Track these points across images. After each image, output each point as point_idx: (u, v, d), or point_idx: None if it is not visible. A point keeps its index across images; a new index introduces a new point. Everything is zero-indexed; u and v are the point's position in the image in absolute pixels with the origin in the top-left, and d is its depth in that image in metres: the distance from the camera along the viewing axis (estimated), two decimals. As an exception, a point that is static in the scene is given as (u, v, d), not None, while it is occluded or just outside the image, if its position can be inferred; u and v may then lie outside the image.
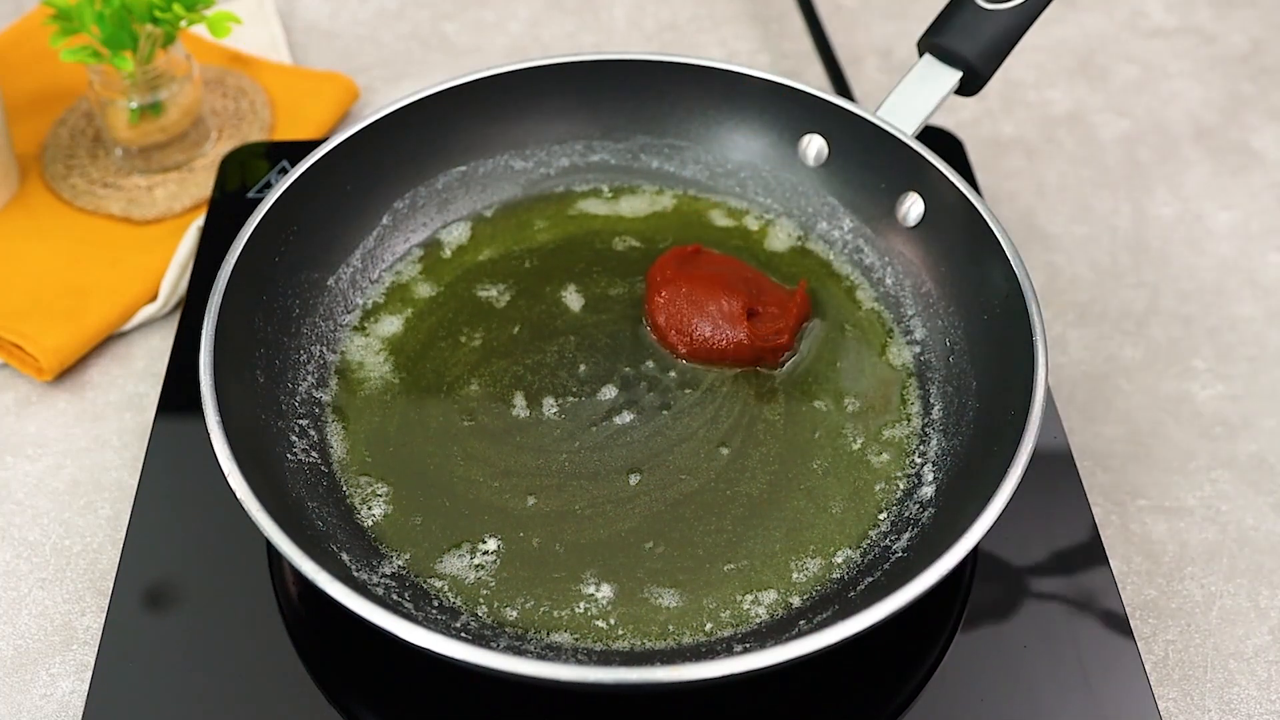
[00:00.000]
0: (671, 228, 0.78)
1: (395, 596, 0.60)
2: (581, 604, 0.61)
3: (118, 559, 0.65)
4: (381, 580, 0.61)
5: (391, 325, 0.73)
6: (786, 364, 0.71)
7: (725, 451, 0.67)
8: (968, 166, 0.84)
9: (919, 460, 0.67)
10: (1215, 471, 0.74)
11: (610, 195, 0.80)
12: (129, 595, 0.63)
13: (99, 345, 0.80)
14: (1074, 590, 0.63)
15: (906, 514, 0.64)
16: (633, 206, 0.80)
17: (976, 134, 0.93)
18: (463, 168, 0.79)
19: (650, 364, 0.71)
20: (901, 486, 0.66)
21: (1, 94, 0.88)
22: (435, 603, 0.61)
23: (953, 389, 0.69)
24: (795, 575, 0.62)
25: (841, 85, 0.94)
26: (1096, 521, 0.66)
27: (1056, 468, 0.68)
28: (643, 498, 0.65)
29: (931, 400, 0.69)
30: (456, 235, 0.78)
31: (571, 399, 0.69)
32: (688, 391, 0.70)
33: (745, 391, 0.70)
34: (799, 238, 0.78)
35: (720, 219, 0.79)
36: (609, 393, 0.70)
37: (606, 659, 0.59)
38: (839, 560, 0.63)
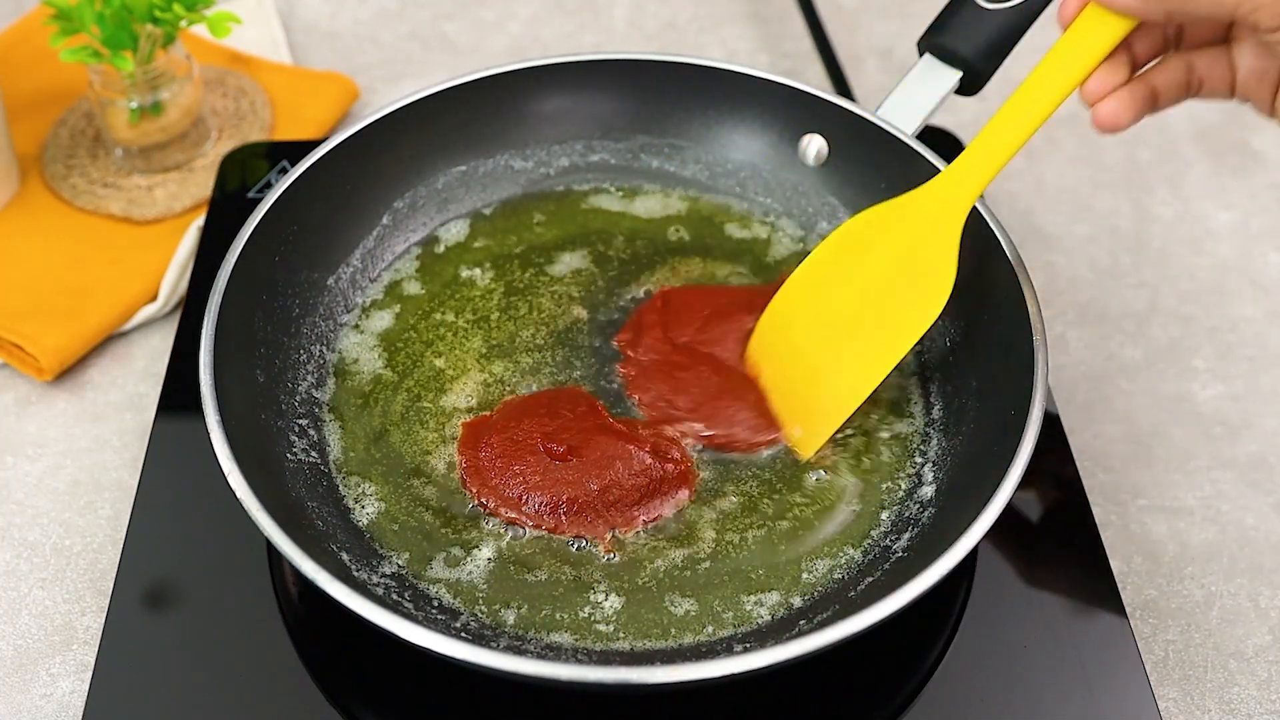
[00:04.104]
0: (680, 228, 0.78)
1: (395, 596, 0.60)
2: (586, 609, 0.61)
3: (118, 559, 0.65)
4: (381, 580, 0.61)
5: (390, 324, 0.73)
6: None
7: (725, 452, 0.67)
8: (968, 166, 0.84)
9: (919, 460, 0.67)
10: (1215, 471, 0.74)
11: (619, 195, 0.80)
12: (129, 595, 0.63)
13: (99, 345, 0.80)
14: (1074, 590, 0.63)
15: (907, 514, 0.64)
16: (645, 207, 0.80)
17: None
18: (463, 168, 0.79)
19: (650, 364, 0.71)
20: (902, 486, 0.66)
21: (1, 94, 0.88)
22: (435, 602, 0.61)
23: (953, 389, 0.69)
24: (805, 576, 0.62)
25: (841, 85, 0.94)
26: (1096, 521, 0.66)
27: (1056, 468, 0.68)
28: (643, 498, 0.65)
29: (931, 400, 0.69)
30: (456, 235, 0.78)
31: (571, 399, 0.69)
32: (688, 391, 0.70)
33: (745, 391, 0.70)
34: (800, 239, 0.78)
35: (726, 223, 0.79)
36: (609, 393, 0.70)
37: (606, 659, 0.59)
38: (840, 560, 0.63)
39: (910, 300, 0.65)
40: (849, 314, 0.67)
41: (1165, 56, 0.61)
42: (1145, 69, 0.61)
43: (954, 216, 0.64)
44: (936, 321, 0.71)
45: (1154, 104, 0.60)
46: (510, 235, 0.78)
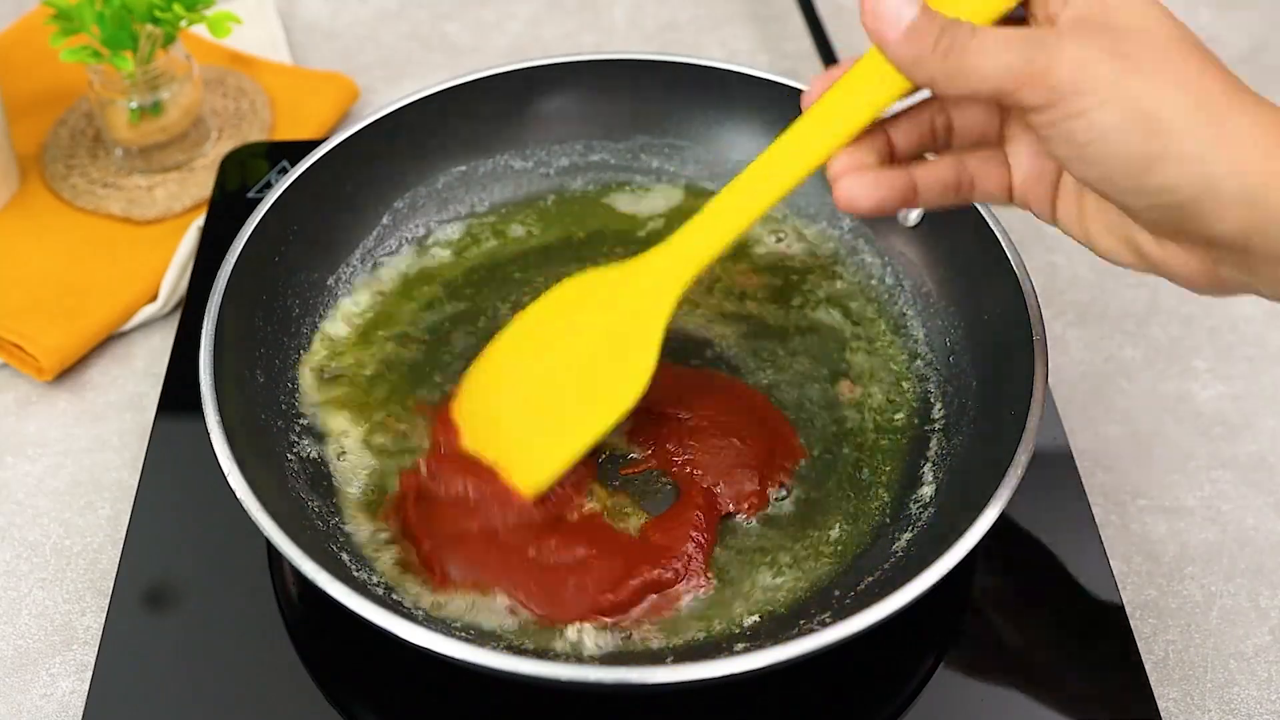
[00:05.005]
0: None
1: (395, 596, 0.60)
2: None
3: (118, 559, 0.65)
4: (382, 580, 0.61)
5: (388, 323, 0.73)
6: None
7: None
8: (968, 166, 0.84)
9: (919, 460, 0.67)
10: (1215, 471, 0.74)
11: (623, 193, 0.80)
12: (129, 595, 0.63)
13: (99, 345, 0.80)
14: (1074, 590, 0.63)
15: (906, 513, 0.64)
16: (648, 206, 0.80)
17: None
18: (463, 168, 0.79)
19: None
20: (901, 486, 0.66)
21: (1, 94, 0.88)
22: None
23: (953, 389, 0.69)
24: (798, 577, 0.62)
25: (841, 85, 0.94)
26: (1096, 521, 0.66)
27: (1056, 468, 0.68)
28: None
29: (931, 400, 0.69)
30: (456, 235, 0.78)
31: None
32: (688, 391, 0.70)
33: (745, 391, 0.70)
34: (800, 239, 0.78)
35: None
36: (609, 393, 0.69)
37: (606, 659, 0.59)
38: (832, 563, 0.63)
39: (611, 379, 0.61)
40: (553, 381, 0.62)
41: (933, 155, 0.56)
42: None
43: (663, 298, 0.59)
44: (937, 321, 0.71)
45: (912, 198, 0.54)
46: (511, 236, 0.78)
